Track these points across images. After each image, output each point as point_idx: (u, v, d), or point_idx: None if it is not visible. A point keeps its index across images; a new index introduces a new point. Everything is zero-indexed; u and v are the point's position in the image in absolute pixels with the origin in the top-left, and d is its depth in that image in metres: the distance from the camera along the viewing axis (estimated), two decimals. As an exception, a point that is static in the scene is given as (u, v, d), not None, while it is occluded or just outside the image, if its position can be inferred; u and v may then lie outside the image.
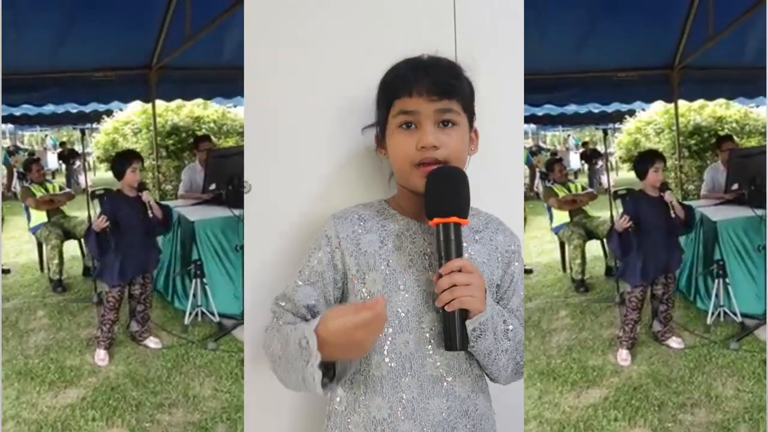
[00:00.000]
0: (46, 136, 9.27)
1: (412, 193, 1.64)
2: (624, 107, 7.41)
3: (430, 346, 1.57)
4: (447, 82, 1.59)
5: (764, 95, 7.09)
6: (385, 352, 1.58)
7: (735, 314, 4.53)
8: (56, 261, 5.35)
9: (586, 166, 8.36)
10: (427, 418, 1.56)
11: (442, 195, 1.52)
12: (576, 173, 8.63)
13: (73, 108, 6.99)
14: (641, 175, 4.41)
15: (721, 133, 7.18)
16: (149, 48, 5.90)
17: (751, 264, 4.69)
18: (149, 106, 6.81)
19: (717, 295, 4.57)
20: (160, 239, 4.61)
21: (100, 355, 4.15)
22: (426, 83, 1.57)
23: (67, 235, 5.52)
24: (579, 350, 4.31)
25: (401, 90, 1.60)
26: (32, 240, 5.70)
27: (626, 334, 4.27)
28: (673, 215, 4.28)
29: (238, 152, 5.15)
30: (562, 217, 5.79)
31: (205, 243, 4.60)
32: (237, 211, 4.43)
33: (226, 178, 4.70)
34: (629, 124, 8.11)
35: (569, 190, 5.88)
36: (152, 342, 4.31)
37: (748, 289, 4.67)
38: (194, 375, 3.89)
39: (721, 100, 7.64)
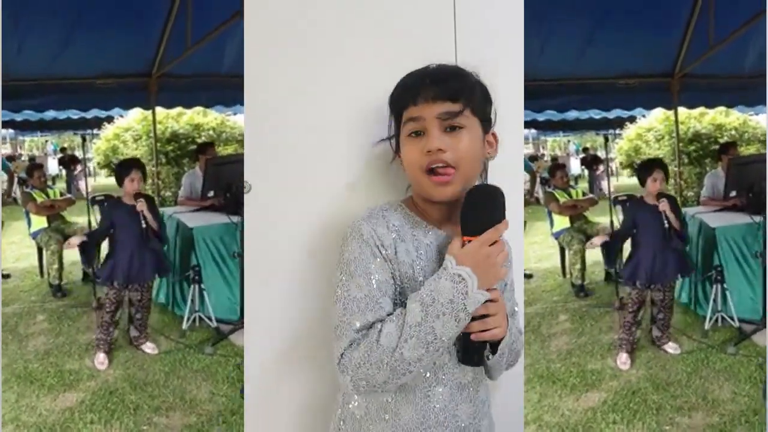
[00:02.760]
0: (46, 141, 9.30)
1: (430, 201, 1.64)
2: (625, 114, 7.46)
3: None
4: (450, 86, 1.59)
5: (763, 103, 7.12)
6: None
7: (733, 319, 4.54)
8: (56, 266, 5.38)
9: (586, 172, 8.38)
10: (456, 425, 1.60)
11: (481, 214, 1.52)
12: (576, 179, 8.64)
13: (74, 114, 7.01)
14: (642, 182, 4.45)
15: (721, 141, 7.23)
16: (150, 56, 5.95)
17: (748, 270, 4.71)
18: (149, 113, 6.85)
19: (715, 301, 4.59)
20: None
21: (100, 359, 4.17)
22: (429, 89, 1.58)
23: (67, 240, 5.55)
24: (578, 354, 4.32)
25: (407, 99, 1.61)
26: (32, 245, 5.72)
27: (624, 337, 4.30)
28: (666, 225, 4.31)
29: (236, 160, 5.22)
30: (562, 222, 5.81)
31: (203, 249, 4.62)
32: (235, 218, 4.45)
33: (224, 185, 4.72)
34: (630, 131, 8.16)
35: (570, 195, 5.90)
36: (149, 348, 4.33)
37: (746, 295, 4.68)
38: (191, 379, 3.91)
39: (721, 108, 7.64)
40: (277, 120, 1.94)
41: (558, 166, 6.33)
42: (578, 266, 5.54)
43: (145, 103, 6.75)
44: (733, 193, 5.14)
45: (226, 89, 6.25)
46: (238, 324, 4.41)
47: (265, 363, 1.96)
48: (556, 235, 5.83)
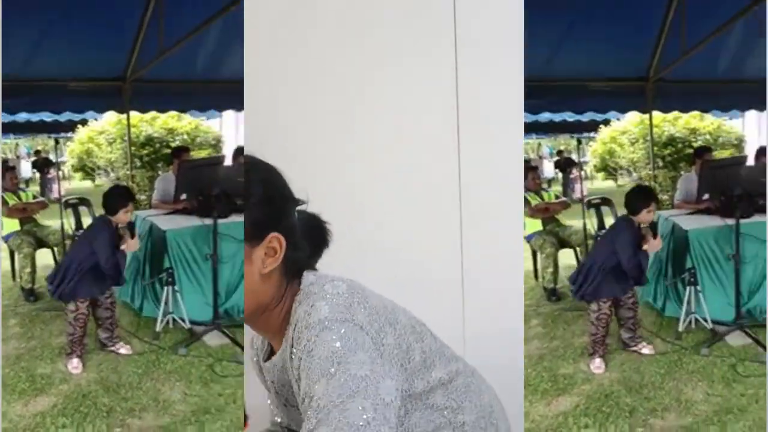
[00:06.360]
0: (17, 145, 9.24)
1: None
2: (599, 117, 7.48)
3: None
4: None
5: (736, 108, 7.20)
6: None
7: (706, 321, 4.55)
8: (28, 270, 5.31)
9: (560, 175, 8.40)
10: None
11: None
12: (550, 182, 8.66)
13: (47, 117, 6.97)
14: (634, 211, 4.30)
15: (695, 145, 7.27)
16: (124, 60, 5.91)
17: (721, 272, 4.74)
18: (124, 116, 6.81)
19: (689, 303, 4.59)
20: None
21: (74, 364, 4.12)
22: None
23: (40, 243, 5.49)
24: (550, 359, 4.32)
25: None
26: (4, 248, 5.66)
27: (596, 346, 4.24)
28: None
29: (209, 163, 5.20)
30: (534, 225, 5.80)
31: (176, 251, 4.63)
32: (207, 221, 4.44)
33: (196, 188, 4.70)
34: (604, 134, 8.20)
35: (542, 198, 5.91)
36: (123, 349, 4.29)
37: (719, 297, 4.70)
38: (165, 380, 3.89)
39: (695, 112, 7.73)
40: (277, 123, 1.97)
41: (530, 168, 6.30)
42: (550, 269, 5.54)
43: (119, 107, 6.72)
44: (706, 196, 5.17)
45: (200, 94, 6.25)
46: (211, 325, 4.42)
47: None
48: (528, 238, 5.82)
